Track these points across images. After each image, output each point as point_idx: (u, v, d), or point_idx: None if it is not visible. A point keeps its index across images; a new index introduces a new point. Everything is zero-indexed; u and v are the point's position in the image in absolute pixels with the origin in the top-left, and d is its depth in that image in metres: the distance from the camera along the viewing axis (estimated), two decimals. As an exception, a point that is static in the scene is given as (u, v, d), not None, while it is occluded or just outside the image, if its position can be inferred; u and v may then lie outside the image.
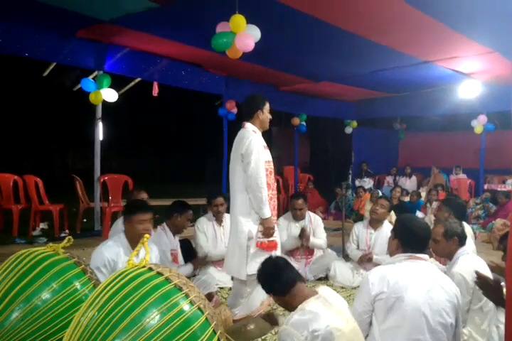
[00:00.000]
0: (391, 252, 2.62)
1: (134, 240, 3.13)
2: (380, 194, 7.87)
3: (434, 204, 7.68)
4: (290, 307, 2.26)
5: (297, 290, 2.25)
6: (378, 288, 2.33)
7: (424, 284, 2.33)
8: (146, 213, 3.19)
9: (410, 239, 2.49)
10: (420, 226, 2.54)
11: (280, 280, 2.27)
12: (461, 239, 3.07)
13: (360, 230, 4.95)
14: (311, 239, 4.88)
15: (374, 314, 2.37)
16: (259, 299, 3.55)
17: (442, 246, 3.07)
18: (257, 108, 3.44)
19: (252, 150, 3.27)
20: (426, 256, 2.49)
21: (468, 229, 4.12)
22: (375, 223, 4.86)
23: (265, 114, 3.47)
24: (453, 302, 2.35)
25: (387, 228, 4.71)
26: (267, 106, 3.49)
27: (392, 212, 7.30)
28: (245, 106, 3.55)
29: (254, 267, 3.23)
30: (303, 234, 4.82)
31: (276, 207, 3.51)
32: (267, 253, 3.28)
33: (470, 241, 3.51)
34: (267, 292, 2.40)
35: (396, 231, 2.61)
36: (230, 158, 3.51)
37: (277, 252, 3.42)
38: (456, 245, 3.04)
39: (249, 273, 3.31)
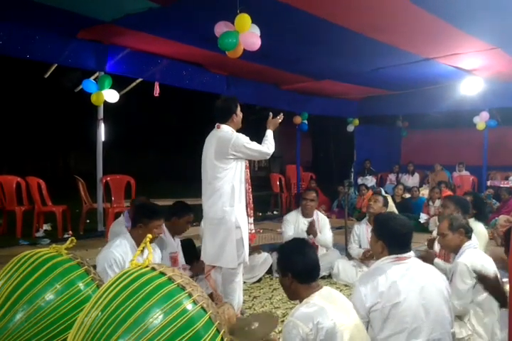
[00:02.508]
0: (377, 255, 2.53)
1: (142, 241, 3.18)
2: (383, 192, 7.83)
3: (437, 202, 7.65)
4: (295, 296, 2.23)
5: (315, 283, 2.21)
6: (372, 300, 2.28)
7: (415, 285, 2.30)
8: (162, 219, 3.39)
9: (394, 239, 2.42)
10: (401, 224, 2.46)
11: (309, 267, 2.20)
12: (467, 231, 3.07)
13: (360, 230, 4.97)
14: (319, 235, 4.91)
15: (370, 325, 2.31)
16: (241, 292, 3.60)
17: (449, 239, 3.09)
18: (232, 112, 3.51)
19: (243, 140, 3.36)
20: (411, 254, 2.44)
21: (483, 230, 4.05)
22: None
23: (239, 116, 3.56)
24: (444, 296, 2.36)
25: None
26: (239, 107, 3.56)
27: (394, 208, 7.30)
28: (218, 111, 3.55)
29: (247, 255, 3.48)
30: (310, 229, 4.85)
31: (251, 201, 3.59)
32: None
33: (479, 240, 3.47)
34: (286, 270, 2.21)
35: (377, 233, 2.52)
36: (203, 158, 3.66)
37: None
38: (462, 237, 3.05)
39: (245, 261, 3.46)
